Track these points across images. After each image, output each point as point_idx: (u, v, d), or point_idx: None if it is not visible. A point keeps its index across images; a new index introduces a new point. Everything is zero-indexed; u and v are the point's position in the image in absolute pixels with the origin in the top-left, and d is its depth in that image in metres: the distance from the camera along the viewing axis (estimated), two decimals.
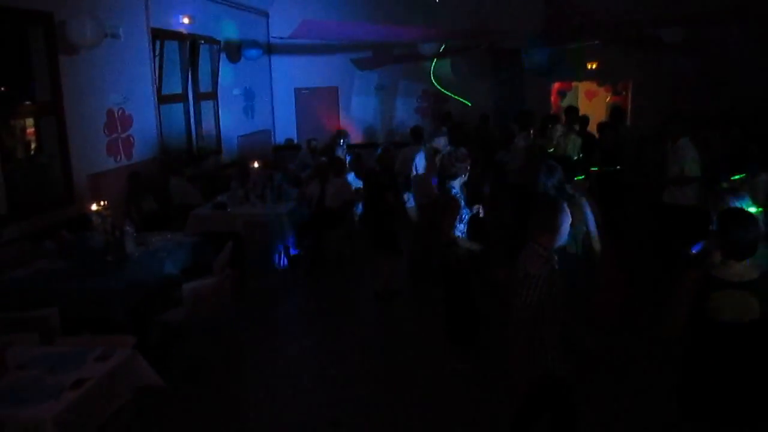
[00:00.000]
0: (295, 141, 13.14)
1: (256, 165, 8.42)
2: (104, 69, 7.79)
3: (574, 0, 9.37)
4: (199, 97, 10.44)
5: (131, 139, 8.38)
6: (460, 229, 4.99)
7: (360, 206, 7.73)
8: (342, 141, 10.74)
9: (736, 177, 5.86)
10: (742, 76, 10.86)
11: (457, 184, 5.08)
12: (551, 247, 3.23)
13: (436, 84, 12.70)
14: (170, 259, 5.71)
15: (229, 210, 7.59)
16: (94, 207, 5.82)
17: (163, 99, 9.27)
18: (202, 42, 10.30)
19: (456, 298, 5.27)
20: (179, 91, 9.94)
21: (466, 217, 5.01)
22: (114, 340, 3.96)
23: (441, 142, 8.66)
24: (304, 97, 13.51)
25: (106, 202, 5.92)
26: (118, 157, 8.12)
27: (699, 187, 6.53)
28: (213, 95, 10.91)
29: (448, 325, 5.50)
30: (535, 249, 3.21)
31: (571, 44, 9.84)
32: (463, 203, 5.01)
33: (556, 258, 3.24)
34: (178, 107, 9.97)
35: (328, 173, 7.60)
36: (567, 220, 3.24)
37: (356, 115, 13.44)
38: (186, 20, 9.71)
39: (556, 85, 13.19)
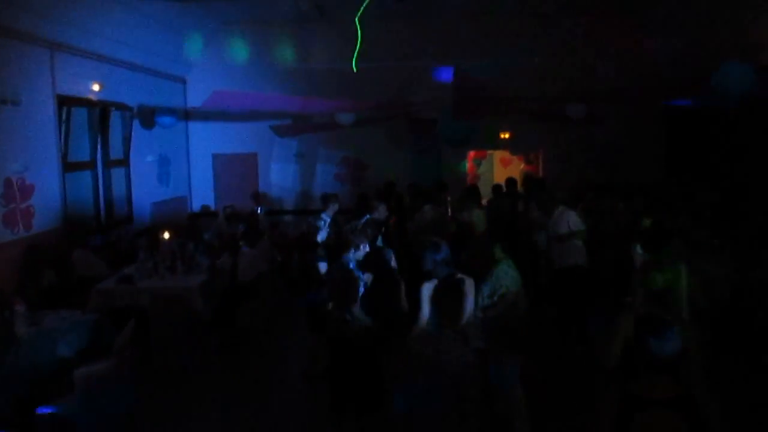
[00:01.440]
0: (213, 208, 12.85)
1: (166, 235, 8.10)
2: (3, 136, 7.42)
3: (479, 78, 9.80)
4: (109, 164, 10.09)
5: (31, 209, 7.93)
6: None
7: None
8: (259, 208, 10.56)
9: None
10: (642, 151, 11.63)
11: (353, 257, 5.05)
12: (458, 330, 3.17)
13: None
14: (65, 341, 5.29)
15: (135, 283, 7.20)
16: None
17: (69, 167, 8.88)
18: (113, 108, 10.04)
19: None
20: (88, 158, 9.57)
21: (362, 289, 4.95)
22: None
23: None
24: (222, 163, 13.33)
25: None
26: (16, 229, 7.66)
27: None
28: (125, 162, 10.58)
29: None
30: (449, 334, 3.13)
31: (481, 118, 10.23)
32: (360, 275, 4.96)
33: (446, 343, 3.13)
34: (87, 175, 9.58)
35: (239, 244, 7.40)
36: (470, 302, 3.23)
37: (276, 182, 13.35)
38: (96, 87, 9.46)
39: (471, 153, 13.62)
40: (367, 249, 5.23)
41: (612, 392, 2.73)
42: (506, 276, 4.79)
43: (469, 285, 4.52)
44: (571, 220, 7.43)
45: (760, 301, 6.35)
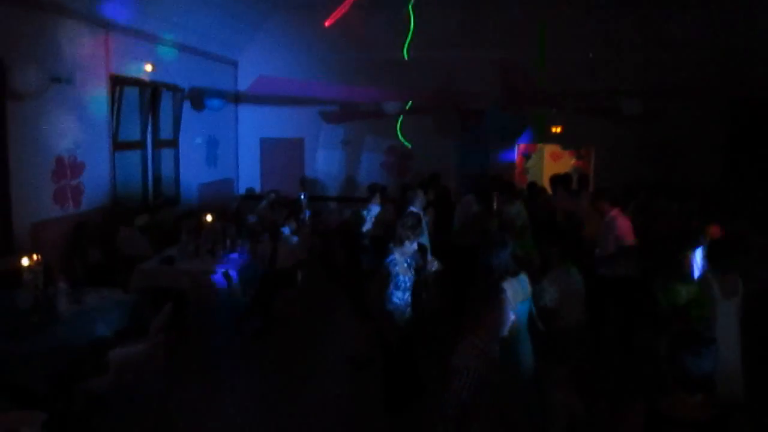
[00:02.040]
0: (258, 191, 12.94)
1: (209, 218, 8.16)
2: (55, 115, 7.57)
3: (528, 70, 9.52)
4: (158, 144, 10.24)
5: (81, 186, 8.11)
6: (399, 296, 4.83)
7: None
8: (303, 195, 10.56)
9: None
10: (700, 149, 11.11)
11: (400, 252, 4.94)
12: (489, 339, 3.03)
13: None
14: (104, 320, 5.41)
15: (176, 265, 7.29)
16: (25, 261, 5.50)
17: (118, 146, 9.04)
18: (165, 89, 10.16)
19: (392, 368, 5.04)
20: (138, 138, 9.73)
21: (408, 283, 4.85)
22: (21, 416, 3.64)
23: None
24: (269, 147, 13.39)
25: (39, 257, 5.61)
26: (66, 206, 7.84)
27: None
28: (174, 143, 10.72)
29: (384, 394, 5.26)
30: (470, 339, 3.02)
31: (529, 110, 9.95)
32: (397, 270, 4.86)
33: (496, 349, 3.03)
34: (136, 154, 9.74)
35: (279, 231, 7.39)
36: (506, 313, 3.06)
37: (321, 168, 13.33)
38: (149, 67, 9.58)
39: (521, 147, 13.30)
40: (415, 246, 5.12)
41: (638, 410, 2.55)
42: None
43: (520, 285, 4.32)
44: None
45: None
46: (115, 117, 8.86)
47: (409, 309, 4.95)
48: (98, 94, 8.51)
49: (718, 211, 9.25)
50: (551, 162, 14.44)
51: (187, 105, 10.98)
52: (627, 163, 11.45)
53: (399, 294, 4.85)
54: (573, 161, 13.75)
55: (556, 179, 9.89)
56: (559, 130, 12.10)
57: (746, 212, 8.82)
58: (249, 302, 7.30)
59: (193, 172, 11.29)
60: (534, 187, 10.05)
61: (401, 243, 5.02)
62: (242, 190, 13.17)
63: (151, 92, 9.85)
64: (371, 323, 6.10)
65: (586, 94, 10.30)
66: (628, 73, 10.52)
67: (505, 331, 3.09)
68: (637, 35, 10.51)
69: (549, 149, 14.24)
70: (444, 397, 2.92)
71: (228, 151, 12.96)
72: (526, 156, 14.04)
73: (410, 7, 9.95)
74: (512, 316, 3.09)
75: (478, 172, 10.88)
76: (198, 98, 11.14)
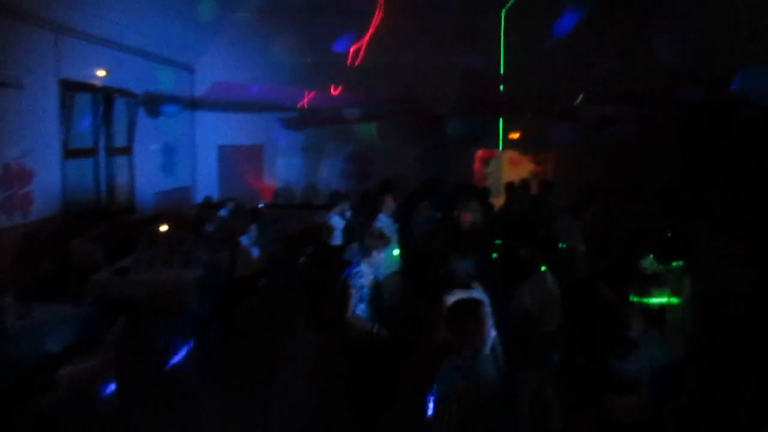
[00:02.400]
0: (216, 199, 12.68)
1: (164, 227, 7.94)
2: (2, 121, 7.28)
3: (488, 76, 9.58)
4: (112, 151, 9.94)
5: (30, 195, 7.81)
6: (362, 309, 4.75)
7: None
8: (262, 203, 10.38)
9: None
10: (655, 152, 11.33)
11: (368, 263, 4.85)
12: (472, 357, 2.91)
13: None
14: (53, 335, 5.19)
15: (130, 276, 7.05)
16: None
17: (70, 153, 8.74)
18: (118, 95, 9.89)
19: (363, 377, 4.94)
20: (90, 145, 9.42)
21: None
22: None
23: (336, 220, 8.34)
24: (228, 155, 13.16)
25: None
26: (14, 215, 7.52)
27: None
28: (128, 150, 10.43)
29: (354, 403, 5.16)
30: (453, 360, 2.89)
31: (488, 116, 10.01)
32: (362, 282, 4.78)
33: (479, 367, 2.92)
34: (88, 162, 9.43)
35: (238, 239, 7.23)
36: (487, 325, 2.95)
37: (281, 175, 13.17)
38: (102, 72, 9.30)
39: (479, 153, 13.37)
40: (382, 256, 5.02)
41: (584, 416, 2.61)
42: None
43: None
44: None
45: None
46: (66, 123, 8.56)
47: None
48: (48, 99, 8.22)
49: (676, 212, 9.46)
50: (511, 167, 14.54)
51: (142, 111, 10.71)
52: (585, 167, 11.60)
53: (363, 306, 4.75)
54: (532, 166, 13.88)
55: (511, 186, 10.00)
56: (517, 135, 12.21)
57: (703, 214, 9.01)
58: (208, 313, 7.10)
59: (148, 180, 11.00)
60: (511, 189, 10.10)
61: (369, 254, 4.92)
62: (200, 199, 12.88)
63: (104, 98, 9.57)
64: (334, 334, 5.98)
65: (545, 100, 10.41)
66: (584, 79, 10.67)
67: (488, 348, 2.99)
68: (594, 41, 10.67)
69: (508, 155, 14.35)
70: (433, 423, 2.80)
71: (185, 159, 12.69)
72: (486, 161, 14.10)
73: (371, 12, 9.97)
74: (493, 332, 2.99)
75: (438, 178, 10.86)
76: (153, 104, 10.87)
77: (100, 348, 5.02)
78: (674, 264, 5.25)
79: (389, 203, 7.42)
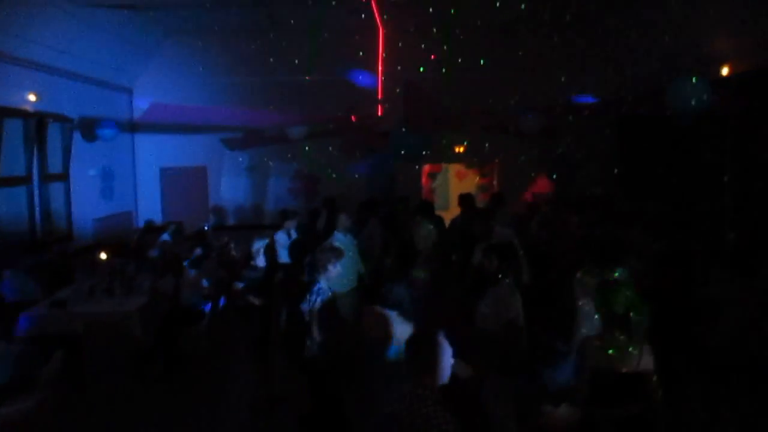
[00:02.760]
0: (158, 223, 12.36)
1: (103, 255, 7.66)
2: None
3: (430, 91, 9.67)
4: (46, 178, 9.57)
5: None
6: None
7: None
8: (207, 225, 10.16)
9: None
10: (594, 163, 11.65)
11: (325, 278, 4.79)
12: (435, 388, 2.87)
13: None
14: None
15: (69, 308, 6.75)
16: None
17: (0, 181, 8.37)
18: (52, 120, 9.54)
19: (316, 404, 4.84)
20: (23, 172, 9.05)
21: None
22: None
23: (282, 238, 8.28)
24: (170, 177, 12.86)
25: None
26: None
27: None
28: (64, 176, 10.06)
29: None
30: (418, 393, 2.83)
31: (433, 131, 10.07)
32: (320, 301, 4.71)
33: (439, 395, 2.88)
34: (21, 190, 9.05)
35: (182, 265, 7.03)
36: (447, 355, 2.91)
37: (226, 196, 12.95)
38: (32, 97, 8.96)
39: (426, 167, 13.47)
40: (338, 269, 4.94)
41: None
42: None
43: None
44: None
45: (711, 318, 6.29)
46: None
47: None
48: None
49: (614, 221, 9.72)
50: (457, 181, 14.71)
51: (78, 136, 10.37)
52: (529, 179, 11.84)
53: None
54: (477, 179, 14.07)
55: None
56: (462, 149, 12.36)
57: (639, 222, 9.27)
58: (151, 342, 6.86)
59: (86, 206, 10.63)
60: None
61: (324, 269, 4.83)
62: (142, 223, 12.53)
63: (37, 123, 9.22)
64: (278, 360, 5.85)
65: (487, 113, 10.56)
66: (526, 92, 10.90)
67: (447, 376, 2.96)
68: (533, 54, 10.92)
69: (454, 168, 14.52)
70: None
71: (125, 183, 12.33)
72: (432, 176, 14.23)
73: (310, 31, 9.93)
74: (451, 360, 2.95)
75: (384, 194, 10.89)
76: (89, 128, 10.53)
77: (35, 387, 4.78)
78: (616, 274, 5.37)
79: (344, 220, 7.36)
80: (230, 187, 12.92)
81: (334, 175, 12.01)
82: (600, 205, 10.92)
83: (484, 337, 4.45)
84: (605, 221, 9.89)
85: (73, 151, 10.15)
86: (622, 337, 3.76)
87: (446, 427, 2.71)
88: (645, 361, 3.85)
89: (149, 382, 6.71)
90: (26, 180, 9.11)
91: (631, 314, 4.59)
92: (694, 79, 7.43)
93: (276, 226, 9.20)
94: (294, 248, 6.18)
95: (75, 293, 7.18)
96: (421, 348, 2.95)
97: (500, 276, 4.80)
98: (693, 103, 7.22)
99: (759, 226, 8.61)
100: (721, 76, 8.87)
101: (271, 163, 12.80)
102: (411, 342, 3.02)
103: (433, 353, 2.90)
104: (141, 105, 12.20)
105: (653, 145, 11.00)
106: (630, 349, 3.78)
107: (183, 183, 12.83)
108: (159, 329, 6.91)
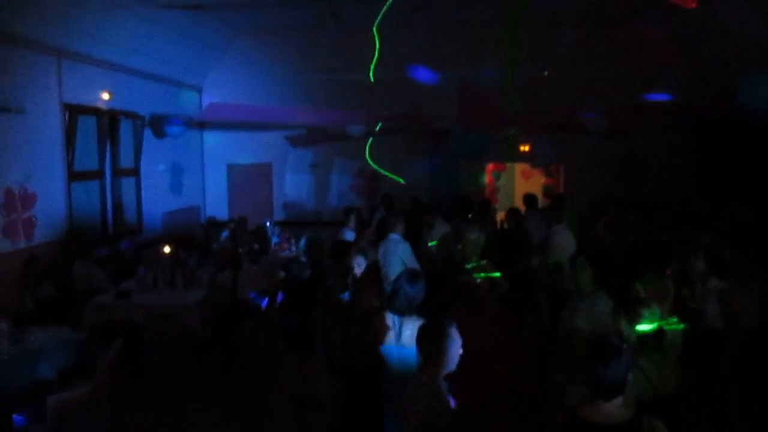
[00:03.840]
0: (227, 218, 12.65)
1: (167, 248, 7.88)
2: (4, 145, 7.29)
3: (487, 90, 9.47)
4: (118, 173, 9.97)
5: (33, 219, 7.79)
6: None
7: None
8: (268, 222, 10.31)
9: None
10: (666, 165, 11.13)
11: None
12: (437, 375, 2.86)
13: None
14: (48, 360, 5.11)
15: (132, 298, 6.98)
16: None
17: (75, 176, 8.75)
18: (123, 117, 9.92)
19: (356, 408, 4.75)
20: (95, 167, 9.45)
21: None
22: None
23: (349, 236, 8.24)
24: (236, 173, 13.15)
25: None
26: (17, 239, 7.51)
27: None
28: (135, 171, 10.44)
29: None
30: (419, 378, 2.85)
31: (489, 130, 9.86)
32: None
33: (445, 391, 2.86)
34: (94, 184, 9.45)
35: (240, 260, 7.14)
36: (455, 346, 2.89)
37: (290, 193, 13.13)
38: (106, 95, 9.34)
39: (490, 166, 13.23)
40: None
41: (559, 416, 2.71)
42: None
43: None
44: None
45: None
46: (70, 146, 8.58)
47: None
48: (51, 123, 8.23)
49: (688, 225, 9.24)
50: (522, 180, 14.39)
51: (148, 133, 10.74)
52: (596, 180, 11.42)
53: None
54: (543, 179, 13.72)
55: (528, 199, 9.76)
56: (527, 148, 12.06)
57: (714, 227, 8.77)
58: (209, 335, 7.00)
59: (156, 200, 11.00)
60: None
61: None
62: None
63: (109, 120, 9.60)
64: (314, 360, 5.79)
65: (549, 113, 10.27)
66: (592, 91, 10.54)
67: (454, 366, 2.93)
68: (600, 52, 10.54)
69: (520, 167, 14.20)
70: None
71: (193, 178, 12.69)
72: (496, 175, 13.97)
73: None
74: (460, 350, 2.92)
75: (450, 193, 10.75)
76: (159, 125, 10.89)
77: (94, 373, 4.94)
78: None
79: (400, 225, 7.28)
80: (294, 184, 13.09)
81: (396, 173, 11.97)
82: (673, 208, 10.43)
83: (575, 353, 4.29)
84: (678, 225, 9.43)
85: (143, 147, 10.53)
86: (656, 356, 3.59)
87: (442, 414, 2.78)
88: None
89: (205, 373, 6.86)
90: (99, 174, 9.50)
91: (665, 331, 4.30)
92: (758, 79, 6.96)
93: (339, 223, 9.24)
94: (335, 248, 6.17)
95: (139, 284, 7.41)
96: (428, 336, 2.98)
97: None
98: (764, 100, 6.77)
99: None
100: None
101: (334, 161, 12.89)
102: (420, 330, 3.04)
103: (440, 342, 2.91)
104: (210, 102, 12.55)
105: (730, 147, 10.43)
106: (664, 370, 3.59)
107: (248, 179, 13.10)
108: (216, 322, 7.05)
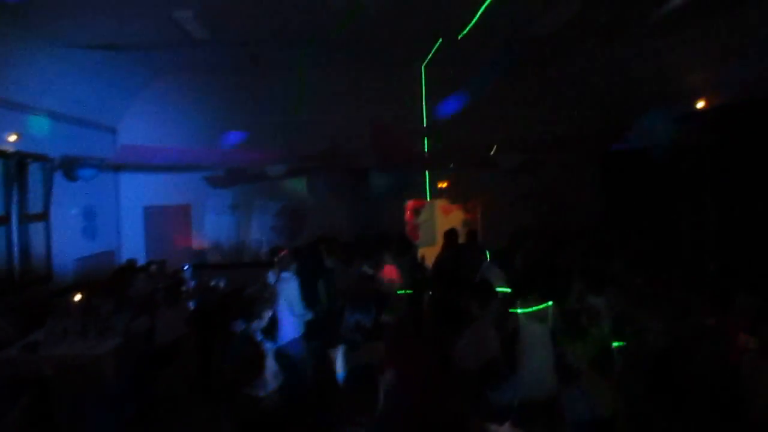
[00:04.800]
0: (141, 263, 12.25)
1: (77, 296, 7.55)
2: None
3: (397, 132, 9.78)
4: (26, 218, 9.51)
5: None
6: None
7: None
8: (186, 265, 10.06)
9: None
10: (578, 197, 11.71)
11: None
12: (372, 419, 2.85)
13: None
14: None
15: (40, 351, 6.62)
16: None
17: None
18: (32, 160, 9.52)
19: None
20: (1, 212, 8.98)
21: None
22: None
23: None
24: (154, 216, 12.80)
25: None
26: None
27: None
28: (44, 216, 9.99)
29: None
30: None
31: (405, 168, 10.15)
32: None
33: None
34: None
35: (157, 304, 6.93)
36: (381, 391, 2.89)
37: (211, 234, 12.89)
38: (12, 137, 8.95)
39: (410, 203, 13.48)
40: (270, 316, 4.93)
41: None
42: None
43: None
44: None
45: (693, 351, 6.23)
46: None
47: None
48: None
49: (600, 254, 9.70)
50: (443, 216, 14.70)
51: (60, 175, 10.33)
52: (512, 213, 11.84)
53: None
54: (463, 214, 14.06)
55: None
56: (445, 185, 12.39)
57: (623, 255, 9.25)
58: (125, 386, 6.71)
59: (68, 246, 10.53)
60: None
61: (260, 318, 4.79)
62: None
63: (16, 163, 9.20)
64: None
65: (463, 150, 10.67)
66: (504, 128, 11.01)
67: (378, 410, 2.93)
68: (512, 90, 11.07)
69: (440, 203, 14.53)
70: None
71: (108, 222, 12.26)
72: (417, 211, 14.20)
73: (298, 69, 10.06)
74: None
75: (370, 231, 10.87)
76: (71, 168, 10.50)
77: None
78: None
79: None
80: (214, 226, 12.87)
81: (317, 212, 12.01)
82: (585, 238, 10.93)
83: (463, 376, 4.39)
84: (589, 254, 9.90)
85: (54, 191, 10.11)
86: (598, 378, 3.76)
87: None
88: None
89: (121, 426, 6.55)
90: (4, 220, 9.04)
91: (606, 352, 4.56)
92: (657, 114, 7.54)
93: (259, 264, 9.12)
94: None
95: (48, 335, 7.04)
96: (355, 386, 2.93)
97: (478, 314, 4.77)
98: (658, 136, 7.31)
99: (740, 258, 8.62)
100: (697, 109, 8.98)
101: (255, 201, 12.79)
102: (346, 379, 3.03)
103: (368, 391, 2.89)
104: (125, 144, 12.25)
105: (636, 178, 11.08)
106: (604, 389, 3.76)
107: (167, 221, 12.78)
108: (132, 371, 6.78)
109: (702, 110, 8.93)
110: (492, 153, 9.82)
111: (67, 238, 10.51)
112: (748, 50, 7.61)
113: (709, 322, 6.24)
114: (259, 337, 4.65)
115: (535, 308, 5.43)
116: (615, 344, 5.16)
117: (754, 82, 8.01)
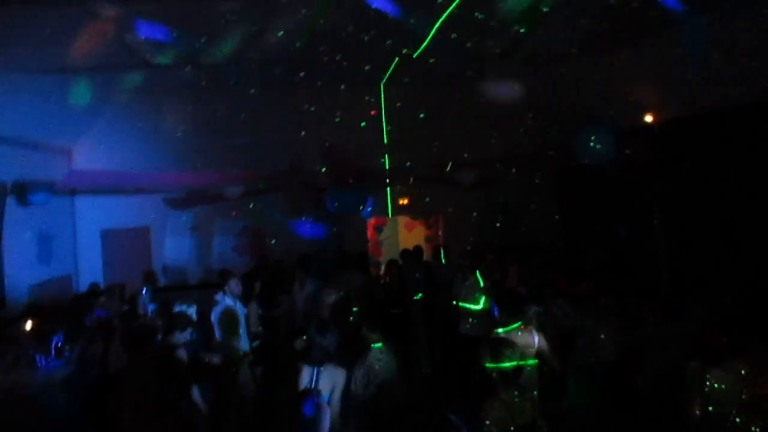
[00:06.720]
0: (101, 287, 12.03)
1: (29, 323, 7.39)
2: None
3: (347, 152, 9.88)
4: None
5: None
6: None
7: None
8: (145, 289, 9.91)
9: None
10: (535, 213, 11.93)
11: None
12: None
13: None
14: None
15: None
16: None
17: None
18: None
19: None
20: None
21: None
22: None
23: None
24: (112, 239, 12.59)
25: None
26: None
27: None
28: None
29: None
30: None
31: (360, 187, 10.24)
32: None
33: None
34: None
35: (113, 331, 6.83)
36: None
37: (170, 257, 12.73)
38: None
39: (372, 221, 13.53)
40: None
41: None
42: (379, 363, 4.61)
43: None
44: None
45: (642, 360, 6.37)
46: None
47: None
48: None
49: (555, 268, 9.89)
50: (406, 232, 14.77)
51: (12, 200, 10.12)
52: (473, 229, 11.97)
53: None
54: (425, 231, 14.17)
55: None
56: (406, 201, 12.49)
57: (577, 268, 9.44)
58: (78, 414, 6.57)
59: (21, 272, 10.28)
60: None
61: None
62: (83, 288, 12.18)
63: None
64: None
65: (424, 167, 10.81)
66: (461, 145, 11.19)
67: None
68: (467, 109, 11.25)
69: (403, 220, 14.60)
70: None
71: (64, 246, 12.01)
72: (378, 229, 14.25)
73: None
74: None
75: (329, 249, 10.89)
76: (23, 193, 10.30)
77: None
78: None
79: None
80: (174, 248, 12.72)
81: (277, 232, 11.98)
82: (542, 253, 11.13)
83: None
84: (546, 268, 10.08)
85: (6, 216, 9.89)
86: (516, 392, 3.84)
87: None
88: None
89: None
90: None
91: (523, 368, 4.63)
92: (601, 130, 7.75)
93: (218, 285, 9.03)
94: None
95: None
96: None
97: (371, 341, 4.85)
98: (603, 152, 7.52)
99: (689, 270, 8.86)
100: (644, 124, 9.25)
101: (215, 222, 12.69)
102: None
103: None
104: (80, 167, 12.07)
105: (589, 193, 11.33)
106: (522, 402, 3.85)
107: (125, 244, 12.57)
108: (85, 399, 6.64)
109: (649, 125, 9.21)
110: (447, 170, 9.95)
111: (20, 264, 10.28)
112: (692, 66, 7.88)
113: (659, 332, 6.40)
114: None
115: (513, 326, 5.46)
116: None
117: (700, 97, 8.30)
